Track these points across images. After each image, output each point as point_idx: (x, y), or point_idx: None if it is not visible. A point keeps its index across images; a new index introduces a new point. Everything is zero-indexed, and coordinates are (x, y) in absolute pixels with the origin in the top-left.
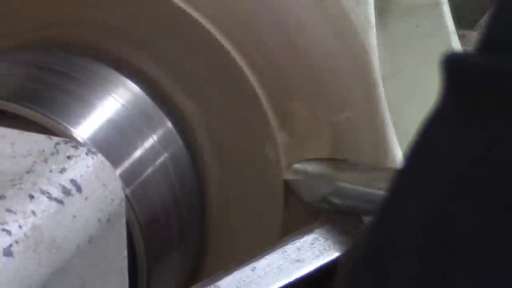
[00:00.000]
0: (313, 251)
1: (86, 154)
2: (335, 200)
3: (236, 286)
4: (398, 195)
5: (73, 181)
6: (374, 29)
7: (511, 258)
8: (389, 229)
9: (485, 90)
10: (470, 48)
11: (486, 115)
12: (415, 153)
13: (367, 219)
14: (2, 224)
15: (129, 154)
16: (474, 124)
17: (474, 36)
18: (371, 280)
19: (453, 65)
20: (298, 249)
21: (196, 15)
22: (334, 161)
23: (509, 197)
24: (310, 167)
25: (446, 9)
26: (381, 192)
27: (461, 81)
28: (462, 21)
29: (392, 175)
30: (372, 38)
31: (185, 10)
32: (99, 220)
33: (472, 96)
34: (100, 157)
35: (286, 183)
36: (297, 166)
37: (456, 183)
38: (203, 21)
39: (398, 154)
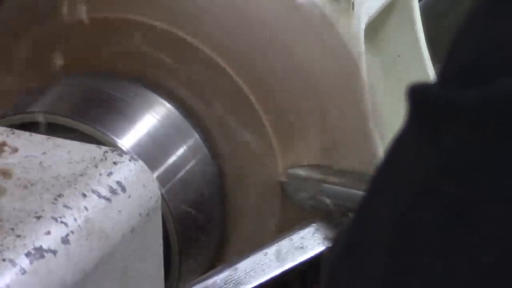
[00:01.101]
0: (315, 239)
1: (129, 160)
2: (320, 200)
3: (251, 268)
4: (371, 198)
5: (118, 183)
6: (364, 58)
7: (464, 258)
8: (363, 227)
9: (442, 117)
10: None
11: (443, 135)
12: (385, 164)
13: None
14: (61, 217)
15: (164, 160)
16: (432, 142)
17: None
18: (348, 272)
19: (416, 96)
20: (302, 238)
21: (213, 54)
22: (321, 167)
23: (460, 204)
24: (300, 172)
25: (423, 43)
26: (361, 193)
27: (423, 109)
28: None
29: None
30: (362, 65)
31: (205, 51)
32: (140, 214)
33: (431, 121)
34: (140, 162)
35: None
36: (289, 171)
37: (417, 190)
38: (219, 60)
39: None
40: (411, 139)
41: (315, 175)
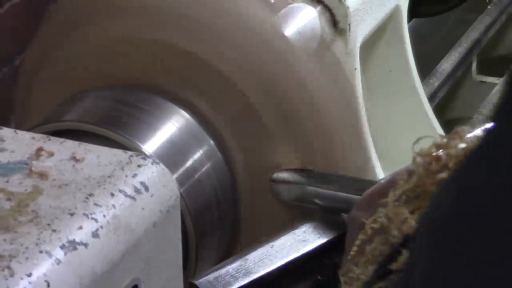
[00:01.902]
0: (315, 233)
1: (152, 163)
2: (306, 201)
3: (260, 258)
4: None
5: (142, 183)
6: (359, 73)
7: None
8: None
9: None
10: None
11: None
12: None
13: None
14: (91, 214)
15: (182, 163)
16: None
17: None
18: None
19: None
20: (304, 232)
21: (227, 71)
22: (305, 171)
23: None
24: (285, 175)
25: (411, 60)
26: (341, 194)
27: None
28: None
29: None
30: (357, 80)
31: (220, 69)
32: (161, 211)
33: None
34: (161, 165)
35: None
36: (275, 175)
37: None
38: (232, 76)
39: (377, 166)
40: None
41: (299, 178)
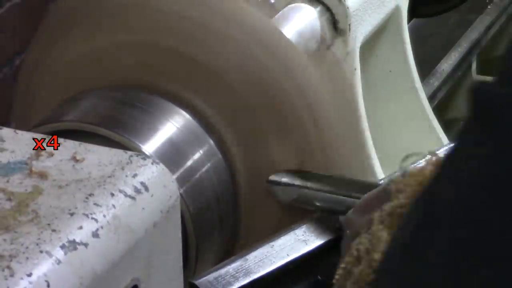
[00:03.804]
0: (315, 233)
1: (152, 163)
2: (304, 202)
3: (260, 258)
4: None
5: (142, 183)
6: (359, 73)
7: None
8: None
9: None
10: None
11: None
12: (450, 160)
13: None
14: (91, 214)
15: (182, 163)
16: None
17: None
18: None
19: (480, 95)
20: (304, 232)
21: (228, 75)
22: (302, 172)
23: None
24: (284, 177)
25: (411, 60)
26: (338, 196)
27: (487, 107)
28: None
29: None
30: (357, 80)
31: (221, 73)
32: (161, 211)
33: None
34: (161, 165)
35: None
36: (273, 176)
37: (483, 187)
38: (232, 79)
39: (377, 166)
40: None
41: (296, 180)
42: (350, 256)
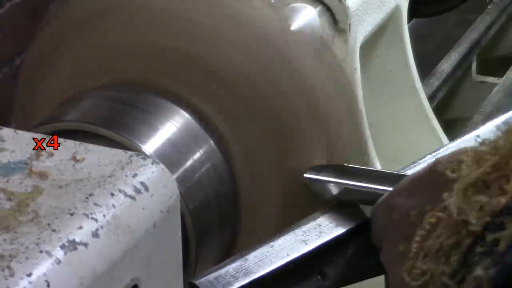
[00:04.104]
0: (316, 233)
1: (152, 163)
2: (343, 198)
3: (260, 259)
4: None
5: (142, 183)
6: (359, 73)
7: None
8: None
9: None
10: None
11: None
12: None
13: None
14: (91, 214)
15: (182, 163)
16: None
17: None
18: None
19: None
20: (304, 232)
21: (228, 73)
22: (336, 166)
23: None
24: (318, 175)
25: (411, 60)
26: (380, 188)
27: None
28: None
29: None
30: (357, 80)
31: (221, 71)
32: (161, 211)
33: None
34: (161, 165)
35: (306, 185)
36: (307, 174)
37: None
38: (232, 77)
39: (377, 166)
40: None
41: (333, 175)
42: (423, 229)
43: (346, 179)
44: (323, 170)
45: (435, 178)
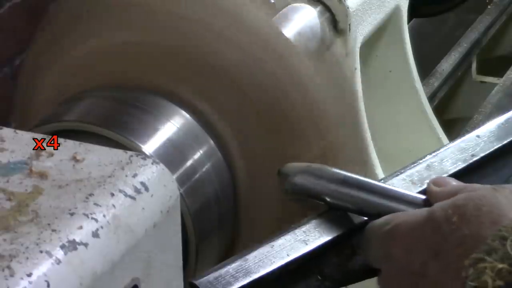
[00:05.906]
0: (315, 233)
1: (152, 163)
2: (316, 198)
3: (260, 259)
4: None
5: (142, 183)
6: (359, 73)
7: None
8: None
9: None
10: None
11: None
12: None
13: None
14: (91, 214)
15: (182, 163)
16: None
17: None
18: None
19: None
20: (304, 232)
21: (230, 74)
22: (313, 167)
23: None
24: (294, 170)
25: (411, 60)
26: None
27: None
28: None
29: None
30: (357, 80)
31: (219, 69)
32: (161, 211)
33: None
34: (161, 165)
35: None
36: (282, 169)
37: None
38: (233, 77)
39: (377, 166)
40: None
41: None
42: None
43: (318, 179)
44: (299, 167)
45: (434, 228)
